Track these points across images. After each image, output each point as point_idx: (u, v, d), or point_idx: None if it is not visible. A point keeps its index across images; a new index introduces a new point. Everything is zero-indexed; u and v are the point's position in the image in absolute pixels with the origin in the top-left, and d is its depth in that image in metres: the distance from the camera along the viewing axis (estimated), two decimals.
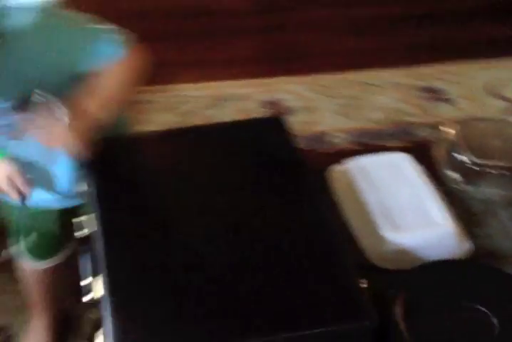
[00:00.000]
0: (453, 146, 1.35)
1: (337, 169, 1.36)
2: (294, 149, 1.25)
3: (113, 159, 1.27)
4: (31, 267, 1.67)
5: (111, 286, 1.02)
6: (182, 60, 2.70)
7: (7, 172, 1.35)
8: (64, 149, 1.24)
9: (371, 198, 1.25)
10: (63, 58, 1.22)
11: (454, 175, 1.34)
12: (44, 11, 1.18)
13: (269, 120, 1.45)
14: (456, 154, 1.34)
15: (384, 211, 1.23)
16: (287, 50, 2.78)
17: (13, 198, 1.36)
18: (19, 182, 1.34)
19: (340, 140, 2.34)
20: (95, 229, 1.12)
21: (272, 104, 2.50)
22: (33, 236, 1.57)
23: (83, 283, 1.23)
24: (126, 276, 1.04)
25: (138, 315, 0.98)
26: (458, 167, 1.33)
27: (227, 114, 2.45)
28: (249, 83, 2.60)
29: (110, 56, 1.26)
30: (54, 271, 1.66)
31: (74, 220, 1.37)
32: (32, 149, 1.33)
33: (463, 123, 1.39)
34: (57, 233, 1.56)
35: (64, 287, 1.76)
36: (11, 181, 1.34)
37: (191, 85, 2.58)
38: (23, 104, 1.21)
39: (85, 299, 1.22)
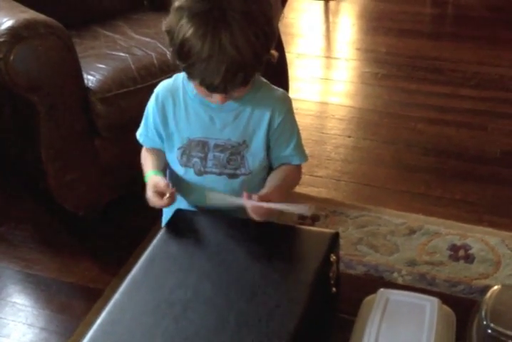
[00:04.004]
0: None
1: (371, 298, 1.46)
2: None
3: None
4: None
5: None
6: (398, 189, 2.89)
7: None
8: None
9: (371, 334, 1.33)
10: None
11: (474, 336, 1.35)
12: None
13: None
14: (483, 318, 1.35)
15: None
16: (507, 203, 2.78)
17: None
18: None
19: None
20: None
21: (458, 248, 2.53)
22: None
23: None
24: None
25: None
26: (481, 331, 1.35)
27: (412, 245, 2.55)
28: (450, 224, 2.66)
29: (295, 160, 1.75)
30: None
31: None
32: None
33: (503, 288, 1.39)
34: None
35: None
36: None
37: (392, 211, 2.74)
38: None
39: None
